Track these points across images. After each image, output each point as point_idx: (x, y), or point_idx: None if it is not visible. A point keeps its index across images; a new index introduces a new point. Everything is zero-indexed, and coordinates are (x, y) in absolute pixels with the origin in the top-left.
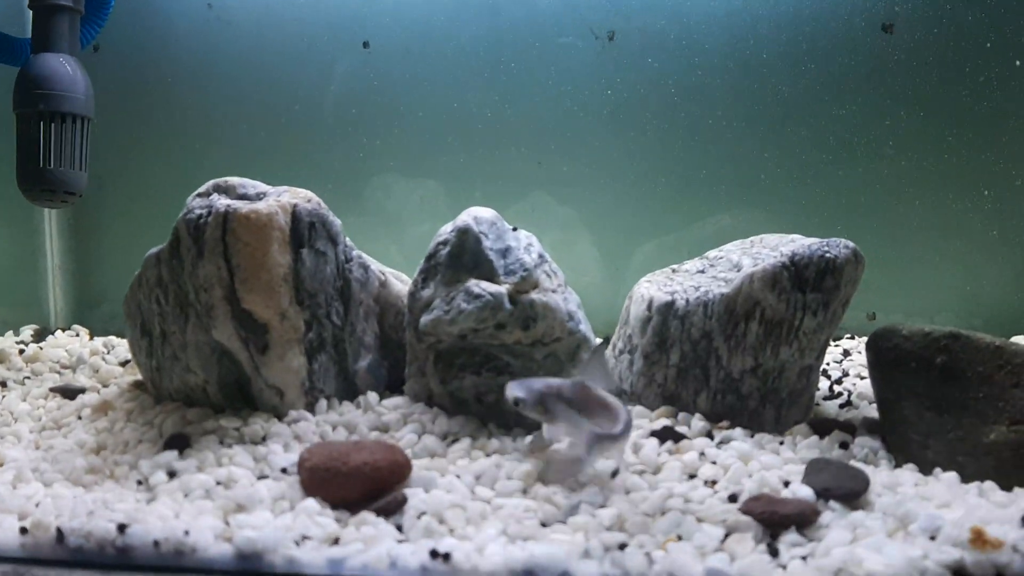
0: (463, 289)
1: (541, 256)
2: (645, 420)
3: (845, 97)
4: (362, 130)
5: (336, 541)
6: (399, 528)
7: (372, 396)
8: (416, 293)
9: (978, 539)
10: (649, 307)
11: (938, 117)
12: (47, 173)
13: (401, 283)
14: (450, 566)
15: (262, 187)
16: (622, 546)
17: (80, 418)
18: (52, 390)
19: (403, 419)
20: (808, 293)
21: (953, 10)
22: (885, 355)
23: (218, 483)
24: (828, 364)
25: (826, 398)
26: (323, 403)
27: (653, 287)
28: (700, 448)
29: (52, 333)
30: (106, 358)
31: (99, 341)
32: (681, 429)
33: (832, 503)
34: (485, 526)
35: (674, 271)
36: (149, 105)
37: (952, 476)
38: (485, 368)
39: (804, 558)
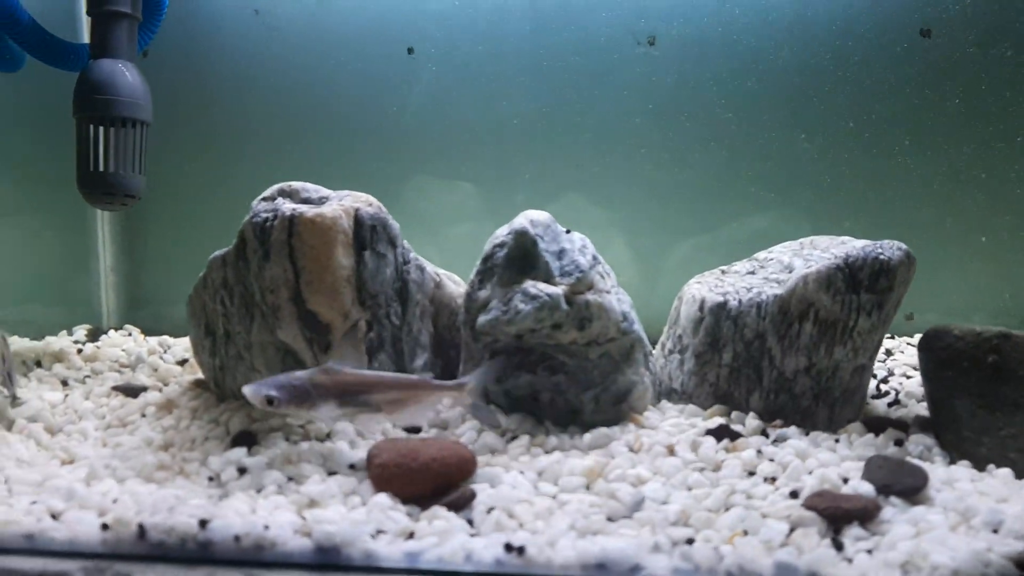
0: (520, 290)
1: (595, 258)
2: (698, 419)
3: (882, 100)
4: (403, 134)
5: (411, 535)
6: (470, 522)
7: None
8: (473, 294)
9: None
10: (701, 308)
11: (975, 119)
12: (107, 177)
13: (454, 284)
14: (524, 559)
15: (324, 191)
16: (689, 541)
17: (144, 416)
18: (114, 388)
19: (461, 417)
20: (862, 294)
21: (990, 14)
22: (937, 355)
23: (290, 479)
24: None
25: (873, 396)
26: None
27: (704, 288)
28: (756, 446)
29: (105, 333)
30: (163, 357)
31: (154, 340)
32: (736, 428)
33: (892, 499)
34: (553, 521)
35: (723, 272)
36: (195, 109)
37: (1007, 472)
38: (540, 367)
39: (869, 552)
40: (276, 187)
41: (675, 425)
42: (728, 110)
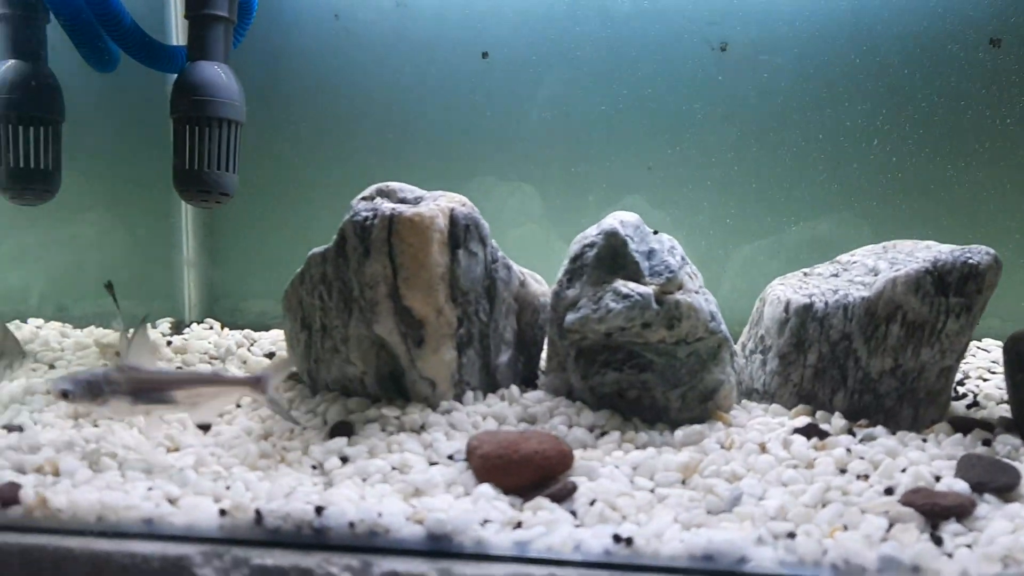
0: (611, 289)
1: (683, 258)
2: (784, 418)
3: (951, 107)
4: (473, 135)
5: (518, 525)
6: (573, 514)
7: (514, 389)
8: (561, 292)
9: None
10: (786, 309)
11: None
12: (203, 175)
13: (537, 283)
14: (632, 550)
15: (418, 191)
16: (791, 535)
17: (239, 406)
18: None
19: (549, 412)
20: (951, 297)
21: None
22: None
23: (393, 468)
24: None
25: (951, 398)
26: (469, 395)
27: (788, 290)
28: (845, 445)
29: (188, 326)
30: (251, 350)
31: (238, 334)
32: (822, 427)
33: (987, 496)
34: (656, 513)
35: (806, 274)
36: (275, 111)
37: None
38: (627, 365)
39: (969, 546)
40: (374, 187)
41: (763, 424)
42: (795, 115)
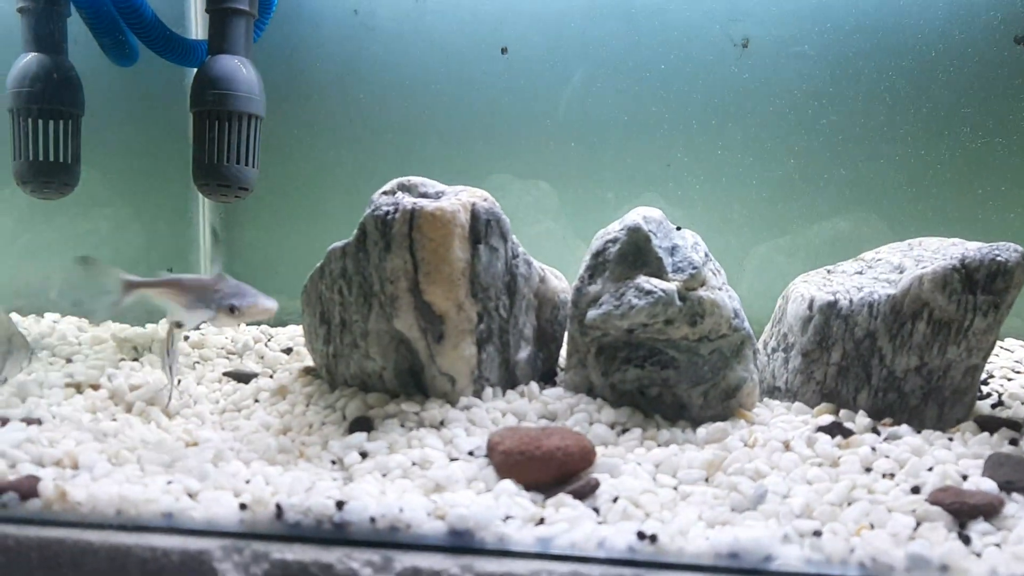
0: (634, 285)
1: (707, 255)
2: (807, 416)
3: (974, 107)
4: (492, 131)
5: (541, 521)
6: (595, 511)
7: (534, 386)
8: (583, 288)
9: None
10: (810, 306)
11: None
12: (223, 169)
13: (556, 279)
14: (657, 547)
15: (439, 186)
16: (817, 533)
17: (257, 401)
18: (225, 374)
19: (569, 409)
20: (979, 295)
21: None
22: None
23: (413, 464)
24: None
25: (977, 398)
26: (488, 391)
27: (812, 287)
28: (870, 443)
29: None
30: (268, 345)
31: (255, 329)
32: (847, 425)
33: (1015, 495)
34: (679, 511)
35: (829, 272)
36: (294, 106)
37: None
38: (649, 362)
39: (998, 545)
40: (395, 181)
41: (786, 422)
42: (817, 112)
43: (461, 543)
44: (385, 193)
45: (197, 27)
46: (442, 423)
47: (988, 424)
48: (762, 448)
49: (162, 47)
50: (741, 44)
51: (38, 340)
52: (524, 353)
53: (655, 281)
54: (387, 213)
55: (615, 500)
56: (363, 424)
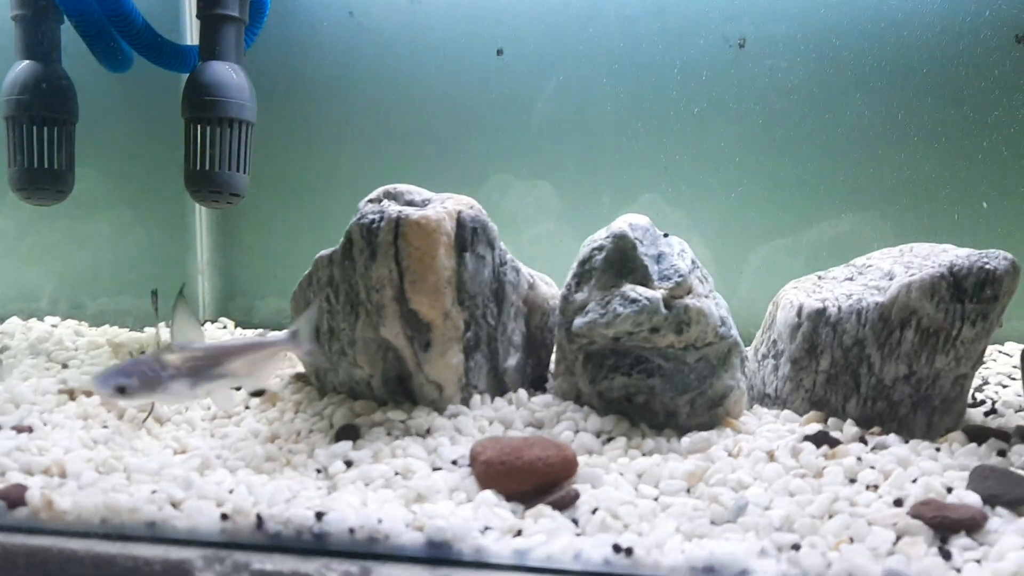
0: (619, 293)
1: (693, 262)
2: (795, 424)
3: (976, 107)
4: (489, 133)
5: (518, 533)
6: (575, 522)
7: (522, 393)
8: (569, 296)
9: None
10: (799, 313)
11: None
12: (215, 176)
13: (546, 285)
14: (632, 560)
15: (426, 193)
16: (795, 546)
17: (248, 408)
18: None
19: (556, 416)
20: (967, 303)
21: None
22: None
23: (396, 473)
24: None
25: (970, 405)
26: (476, 398)
27: (802, 294)
28: (856, 453)
29: (202, 325)
30: None
31: (252, 332)
32: (834, 434)
33: (999, 509)
34: (658, 523)
35: (820, 278)
36: (290, 109)
37: None
38: (635, 370)
39: (978, 561)
40: (382, 189)
41: (772, 431)
42: (814, 113)
43: (439, 555)
44: (371, 201)
45: (191, 33)
46: (428, 431)
47: (977, 434)
48: (746, 458)
49: (153, 54)
50: (738, 44)
51: (35, 345)
52: (513, 360)
53: (640, 289)
54: (372, 221)
55: (594, 511)
56: (349, 432)
